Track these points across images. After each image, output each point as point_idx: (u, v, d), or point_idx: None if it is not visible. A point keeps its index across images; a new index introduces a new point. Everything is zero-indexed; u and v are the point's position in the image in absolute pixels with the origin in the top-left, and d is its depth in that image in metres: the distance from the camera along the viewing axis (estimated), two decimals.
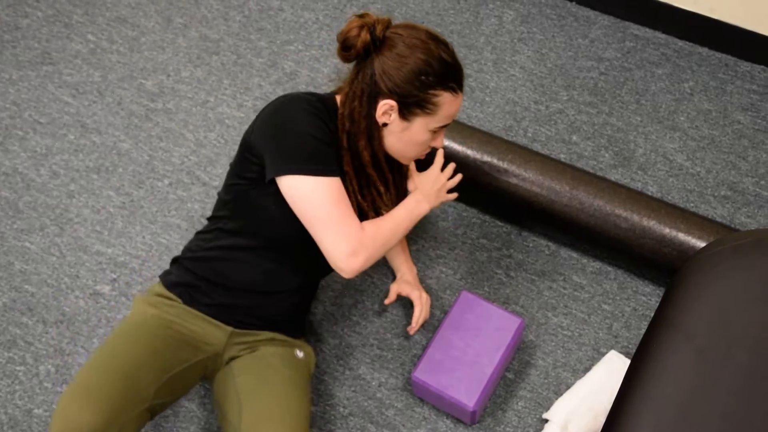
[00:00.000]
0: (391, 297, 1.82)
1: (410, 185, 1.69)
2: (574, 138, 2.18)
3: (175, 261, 1.66)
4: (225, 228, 1.58)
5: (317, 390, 1.85)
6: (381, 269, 2.00)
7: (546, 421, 1.79)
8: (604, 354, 1.86)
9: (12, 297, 2.00)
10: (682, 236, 1.80)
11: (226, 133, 2.25)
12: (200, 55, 2.41)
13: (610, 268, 1.98)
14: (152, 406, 1.47)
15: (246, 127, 2.26)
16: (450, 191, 2.05)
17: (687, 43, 2.34)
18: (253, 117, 2.28)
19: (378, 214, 1.61)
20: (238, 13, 2.48)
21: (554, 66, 2.32)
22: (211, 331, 1.59)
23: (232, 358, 1.63)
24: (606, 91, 2.26)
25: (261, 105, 2.29)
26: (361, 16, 1.47)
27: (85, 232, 2.09)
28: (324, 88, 2.30)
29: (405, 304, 1.95)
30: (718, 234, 1.79)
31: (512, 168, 1.92)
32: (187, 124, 2.27)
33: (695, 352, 1.30)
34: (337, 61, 2.36)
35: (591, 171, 2.10)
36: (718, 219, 2.02)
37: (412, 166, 1.72)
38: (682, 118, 2.20)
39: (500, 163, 1.93)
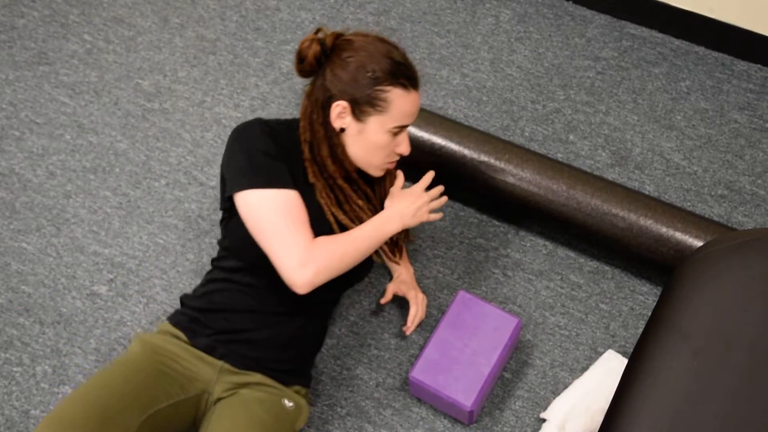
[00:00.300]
0: (387, 296, 1.82)
1: (387, 201, 1.63)
2: (571, 137, 2.18)
3: (181, 303, 1.67)
4: (222, 265, 1.61)
5: (315, 390, 1.84)
6: (378, 269, 2.00)
7: (543, 420, 1.79)
8: (601, 353, 1.86)
9: (9, 298, 2.00)
10: (679, 235, 1.80)
11: (223, 133, 2.25)
12: (197, 54, 2.41)
13: (607, 268, 1.98)
14: None
15: None
16: (435, 211, 2.04)
17: (684, 42, 2.34)
18: (250, 117, 2.28)
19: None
20: (235, 12, 2.48)
21: (551, 65, 2.32)
22: (203, 368, 1.55)
23: (219, 400, 1.56)
24: (603, 90, 2.26)
25: (258, 105, 2.29)
26: (315, 32, 1.53)
27: (82, 233, 2.09)
28: None
29: (402, 304, 1.95)
30: (715, 233, 1.79)
31: (509, 167, 1.92)
32: (184, 124, 2.27)
33: (692, 352, 1.30)
34: None
35: (588, 170, 2.10)
36: (715, 218, 2.03)
37: (398, 183, 1.66)
38: (678, 117, 2.20)
39: (497, 163, 1.93)
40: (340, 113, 1.51)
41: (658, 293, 1.94)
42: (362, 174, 1.67)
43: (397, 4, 2.47)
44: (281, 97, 2.31)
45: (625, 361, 1.78)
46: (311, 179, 1.54)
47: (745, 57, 2.28)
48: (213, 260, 1.67)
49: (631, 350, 1.87)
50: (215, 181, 2.16)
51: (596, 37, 2.37)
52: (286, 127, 1.59)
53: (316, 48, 1.50)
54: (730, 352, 1.29)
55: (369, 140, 1.52)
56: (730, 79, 2.26)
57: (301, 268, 1.42)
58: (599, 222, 1.86)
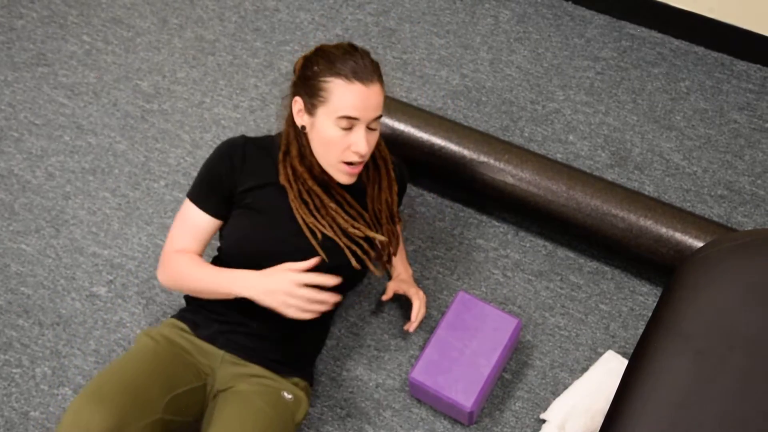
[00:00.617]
0: (388, 293, 1.82)
1: (269, 270, 1.53)
2: (571, 138, 2.18)
3: (186, 302, 1.74)
4: (221, 265, 1.71)
5: (315, 391, 1.84)
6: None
7: (543, 421, 1.79)
8: (601, 354, 1.86)
9: (8, 299, 1.99)
10: (678, 236, 1.80)
11: (222, 134, 2.25)
12: (196, 55, 2.40)
13: (607, 268, 1.98)
14: (162, 420, 1.47)
15: (242, 127, 2.26)
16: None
17: (683, 42, 2.34)
18: (248, 118, 2.28)
19: (348, 236, 1.61)
20: (234, 13, 2.48)
21: (550, 65, 2.32)
22: (207, 359, 1.62)
23: (219, 393, 1.61)
24: (602, 90, 2.26)
25: (257, 106, 2.29)
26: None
27: (81, 234, 2.08)
28: None
29: (402, 304, 1.95)
30: (715, 233, 1.79)
31: (509, 168, 1.92)
32: (183, 125, 2.27)
33: (693, 353, 1.30)
34: None
35: (588, 171, 2.10)
36: (715, 218, 2.03)
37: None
38: (678, 118, 2.20)
39: (497, 163, 1.93)
40: (299, 110, 1.56)
41: (658, 294, 1.93)
42: (349, 188, 1.67)
43: (396, 4, 2.47)
44: (280, 98, 2.30)
45: (625, 361, 1.78)
46: (282, 181, 1.59)
47: (744, 57, 2.28)
48: (214, 258, 1.73)
49: (631, 351, 1.87)
50: None
51: (595, 38, 2.37)
52: (272, 139, 1.68)
53: (299, 61, 1.59)
54: (730, 352, 1.29)
55: (321, 134, 1.53)
56: (730, 79, 2.26)
57: (159, 269, 1.66)
58: (599, 222, 1.86)
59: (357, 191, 1.68)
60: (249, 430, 1.47)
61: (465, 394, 1.69)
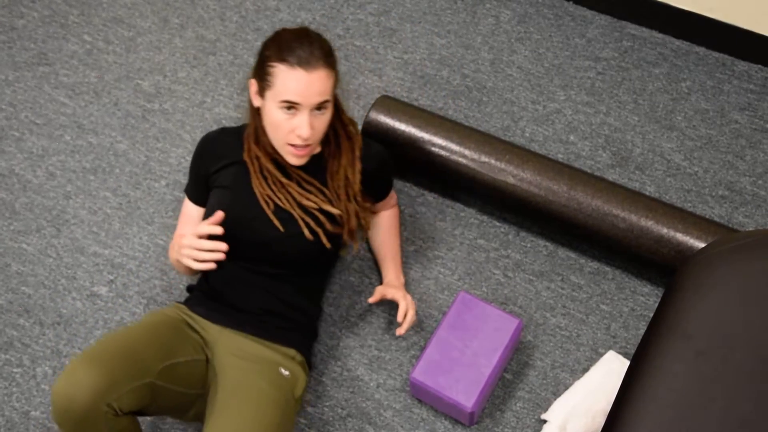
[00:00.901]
0: (375, 297, 1.79)
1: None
2: (572, 138, 2.18)
3: (188, 290, 1.83)
4: None
5: (315, 391, 1.84)
6: (376, 275, 2.00)
7: (544, 421, 1.79)
8: (602, 354, 1.86)
9: (9, 299, 1.99)
10: (680, 236, 1.80)
11: None
12: (197, 55, 2.40)
13: (608, 268, 1.98)
14: (154, 385, 1.51)
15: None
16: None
17: (684, 42, 2.34)
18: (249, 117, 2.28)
19: (304, 209, 1.70)
20: (235, 13, 2.48)
21: (551, 66, 2.32)
22: (208, 336, 1.69)
23: (219, 370, 1.64)
24: (603, 90, 2.26)
25: None
26: None
27: (82, 234, 2.08)
28: None
29: None
30: (716, 234, 1.79)
31: (510, 168, 1.92)
32: (184, 124, 2.27)
33: (694, 353, 1.30)
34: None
35: (589, 171, 2.10)
36: (716, 219, 2.03)
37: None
38: (679, 118, 2.20)
39: (498, 164, 1.93)
40: (255, 92, 1.66)
41: (659, 294, 1.93)
42: (307, 166, 1.75)
43: (398, 4, 2.47)
44: None
45: (626, 362, 1.78)
46: (245, 158, 1.72)
47: (745, 57, 2.28)
48: None
49: (632, 351, 1.87)
50: None
51: (597, 38, 2.37)
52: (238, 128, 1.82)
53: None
54: (732, 353, 1.29)
55: (268, 117, 1.62)
56: (731, 79, 2.26)
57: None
58: (600, 223, 1.86)
59: (318, 168, 1.75)
60: (252, 413, 1.51)
61: (466, 395, 1.69)
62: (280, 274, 1.73)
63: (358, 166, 1.75)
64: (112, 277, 2.02)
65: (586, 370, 1.85)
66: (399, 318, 1.76)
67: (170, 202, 2.13)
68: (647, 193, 2.06)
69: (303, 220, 1.68)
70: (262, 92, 1.62)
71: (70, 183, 2.17)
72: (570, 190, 1.88)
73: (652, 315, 1.88)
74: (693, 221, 1.81)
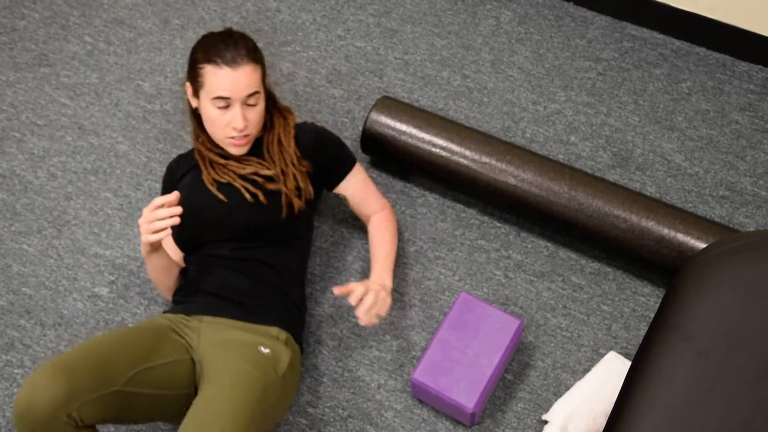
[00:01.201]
0: (342, 288, 1.68)
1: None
2: (572, 138, 2.18)
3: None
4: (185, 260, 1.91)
5: (316, 392, 1.84)
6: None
7: (545, 422, 1.79)
8: (603, 355, 1.86)
9: (10, 299, 1.99)
10: (680, 236, 1.80)
11: None
12: None
13: (608, 269, 1.98)
14: (122, 393, 1.51)
15: None
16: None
17: (684, 43, 2.34)
18: None
19: (246, 179, 1.79)
20: (236, 14, 2.48)
21: (552, 66, 2.32)
22: (189, 333, 1.70)
23: (203, 363, 1.64)
24: (604, 91, 2.26)
25: None
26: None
27: (83, 234, 2.09)
28: (321, 89, 2.30)
29: (404, 306, 1.95)
30: (717, 234, 1.79)
31: (510, 169, 1.92)
32: (185, 125, 2.27)
33: (695, 354, 1.30)
34: (335, 62, 2.36)
35: (589, 171, 2.10)
36: (717, 219, 2.03)
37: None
38: (680, 119, 2.20)
39: (498, 164, 1.93)
40: (191, 94, 1.80)
41: (660, 294, 1.94)
42: (249, 151, 1.85)
43: (398, 5, 2.47)
44: (282, 99, 2.30)
45: (627, 362, 1.78)
46: (195, 156, 1.87)
47: (746, 58, 2.28)
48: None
49: (633, 352, 1.87)
50: None
51: (597, 38, 2.37)
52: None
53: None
54: (733, 354, 1.29)
55: (205, 114, 1.76)
56: (731, 80, 2.26)
57: None
58: (600, 223, 1.86)
59: (257, 149, 1.86)
60: (228, 390, 1.51)
61: (467, 395, 1.69)
62: (247, 250, 1.78)
63: (292, 132, 1.86)
64: (113, 278, 2.02)
65: (587, 370, 1.85)
66: (353, 300, 1.66)
67: None
68: (648, 194, 2.06)
69: (243, 187, 1.78)
70: (196, 93, 1.76)
71: (71, 184, 2.17)
72: (571, 191, 1.88)
73: (653, 315, 1.88)
74: (694, 222, 1.81)
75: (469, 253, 2.02)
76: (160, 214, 1.58)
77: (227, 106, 1.73)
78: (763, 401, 1.23)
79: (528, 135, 2.20)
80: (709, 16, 2.25)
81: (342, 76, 2.33)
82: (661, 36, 2.36)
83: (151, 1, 2.52)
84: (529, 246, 2.02)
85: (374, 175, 2.15)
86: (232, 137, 1.76)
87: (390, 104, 2.04)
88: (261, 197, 1.76)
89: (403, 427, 1.79)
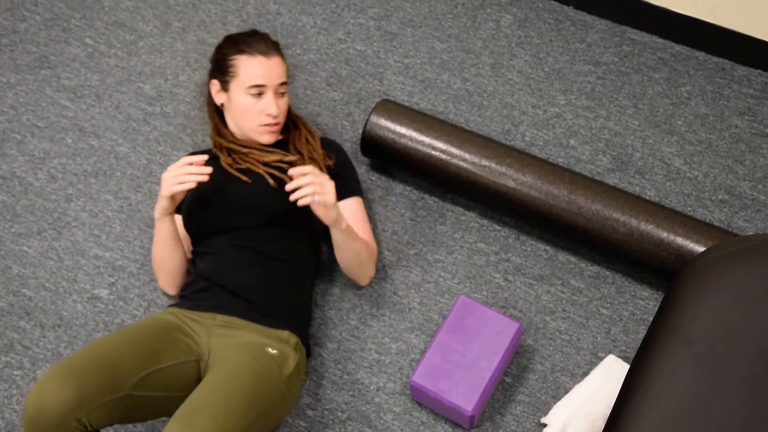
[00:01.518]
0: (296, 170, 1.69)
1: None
2: (572, 142, 2.18)
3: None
4: (193, 251, 1.92)
5: (315, 395, 1.84)
6: (380, 273, 2.01)
7: (544, 425, 1.79)
8: (602, 358, 1.86)
9: (9, 301, 2.00)
10: (680, 240, 1.80)
11: None
12: (198, 58, 2.41)
13: (608, 272, 1.98)
14: (130, 397, 1.51)
15: None
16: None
17: (684, 47, 2.34)
18: None
19: (270, 166, 1.82)
20: (236, 17, 2.48)
21: (552, 70, 2.33)
22: (198, 329, 1.69)
23: (211, 363, 1.66)
24: (603, 95, 2.27)
25: None
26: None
27: (83, 236, 2.09)
28: (321, 92, 2.31)
29: (403, 308, 1.95)
30: (716, 238, 1.79)
31: (510, 172, 1.93)
32: (186, 128, 2.27)
33: (694, 357, 1.30)
34: (335, 65, 2.36)
35: (589, 175, 2.10)
36: (716, 223, 2.03)
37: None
38: (679, 123, 2.20)
39: (498, 167, 1.93)
40: (217, 91, 1.88)
41: (659, 298, 1.94)
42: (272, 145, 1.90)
43: (398, 8, 2.47)
44: None
45: (626, 366, 1.78)
46: (213, 149, 1.91)
47: (745, 62, 2.29)
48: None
49: (632, 355, 1.87)
50: None
51: (597, 42, 2.37)
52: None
53: (213, 53, 1.97)
54: (732, 357, 1.29)
55: (237, 105, 1.82)
56: (731, 84, 2.26)
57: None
58: (600, 227, 1.86)
59: (281, 146, 1.91)
60: (225, 374, 1.52)
61: (466, 398, 1.69)
62: (263, 242, 1.76)
63: (317, 136, 1.93)
64: (113, 280, 2.02)
65: (586, 373, 1.85)
66: (294, 171, 1.67)
67: None
68: (647, 198, 2.06)
69: (267, 173, 1.81)
70: (225, 86, 1.84)
71: (71, 186, 2.18)
72: (570, 194, 1.88)
73: (652, 319, 1.88)
74: (693, 225, 1.82)
75: (468, 256, 2.02)
76: (190, 170, 1.66)
77: (260, 94, 1.82)
78: (761, 404, 1.23)
79: (527, 138, 2.20)
80: (708, 20, 2.26)
81: (342, 79, 2.33)
82: (660, 40, 2.37)
83: (152, 3, 2.52)
84: (529, 249, 2.02)
85: (374, 178, 2.15)
86: (266, 124, 1.83)
87: (390, 107, 2.04)
88: (287, 180, 1.80)
89: (402, 430, 1.79)
